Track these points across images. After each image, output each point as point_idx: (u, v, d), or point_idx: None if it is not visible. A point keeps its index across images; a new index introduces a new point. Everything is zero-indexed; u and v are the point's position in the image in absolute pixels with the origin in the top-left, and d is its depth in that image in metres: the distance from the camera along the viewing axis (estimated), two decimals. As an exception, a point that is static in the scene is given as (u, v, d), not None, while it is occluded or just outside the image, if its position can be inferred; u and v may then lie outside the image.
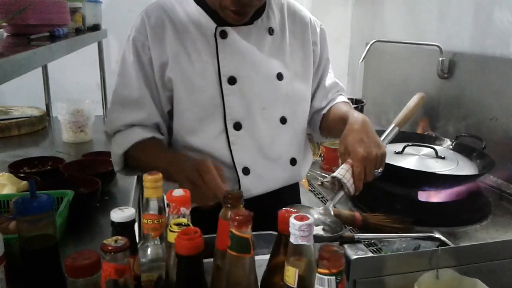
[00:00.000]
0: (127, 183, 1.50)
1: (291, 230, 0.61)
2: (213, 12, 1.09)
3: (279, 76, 1.14)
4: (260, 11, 1.13)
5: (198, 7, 1.10)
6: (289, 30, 1.18)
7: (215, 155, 1.11)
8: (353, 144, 1.04)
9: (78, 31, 1.74)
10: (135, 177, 1.56)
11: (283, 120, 1.17)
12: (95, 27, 2.01)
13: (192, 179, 0.91)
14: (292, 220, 0.61)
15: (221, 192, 0.80)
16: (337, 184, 1.05)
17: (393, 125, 1.21)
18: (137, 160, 1.10)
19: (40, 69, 2.33)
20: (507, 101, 1.54)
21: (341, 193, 1.07)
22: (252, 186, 1.14)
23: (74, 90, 2.54)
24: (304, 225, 0.60)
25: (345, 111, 1.17)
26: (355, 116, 1.10)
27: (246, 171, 1.13)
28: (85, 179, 1.34)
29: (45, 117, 2.25)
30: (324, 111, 1.25)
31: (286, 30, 1.17)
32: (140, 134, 1.09)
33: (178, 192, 0.70)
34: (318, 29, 1.24)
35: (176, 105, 1.11)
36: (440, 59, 1.81)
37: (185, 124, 1.11)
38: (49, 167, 1.53)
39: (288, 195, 1.26)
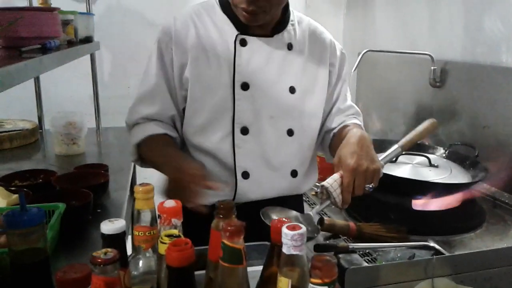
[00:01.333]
0: (120, 195, 1.49)
1: (284, 240, 0.60)
2: (237, 21, 1.14)
3: (291, 89, 1.17)
4: (282, 27, 1.19)
5: (224, 15, 1.17)
6: (308, 49, 1.22)
7: (219, 156, 1.15)
8: (345, 155, 1.04)
9: (70, 43, 1.74)
10: (128, 189, 1.55)
11: (290, 132, 1.19)
12: (88, 39, 2.01)
13: (179, 178, 0.96)
14: (284, 230, 0.60)
15: (193, 203, 0.89)
16: (325, 194, 1.04)
17: (396, 146, 1.18)
18: (147, 153, 1.15)
19: (32, 82, 2.32)
20: (499, 109, 1.55)
21: (327, 203, 1.05)
22: (249, 191, 1.16)
23: (67, 102, 2.52)
24: (296, 234, 0.60)
25: (351, 129, 1.18)
26: (354, 131, 1.12)
27: (245, 175, 1.16)
28: (77, 191, 1.33)
29: (37, 130, 2.23)
30: (335, 131, 1.26)
31: (306, 48, 1.22)
32: (154, 129, 1.15)
33: (170, 203, 0.69)
34: (338, 52, 1.27)
35: (189, 104, 1.16)
36: (432, 68, 1.82)
37: (195, 123, 1.16)
38: (41, 180, 1.51)
39: (290, 206, 1.25)
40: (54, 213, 1.15)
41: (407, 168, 1.42)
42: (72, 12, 1.87)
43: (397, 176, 1.32)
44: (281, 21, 1.19)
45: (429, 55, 1.81)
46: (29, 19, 1.27)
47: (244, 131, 1.14)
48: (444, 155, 1.57)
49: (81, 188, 1.34)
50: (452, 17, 1.82)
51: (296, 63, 1.19)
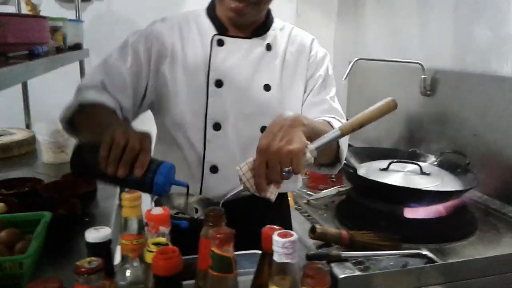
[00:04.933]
0: (108, 204, 1.46)
1: (275, 247, 0.59)
2: (217, 21, 1.19)
3: (266, 87, 1.18)
4: (262, 31, 1.20)
5: (208, 19, 1.21)
6: (287, 51, 1.22)
7: (190, 150, 1.17)
8: (261, 137, 0.92)
9: (59, 50, 1.72)
10: (116, 198, 1.52)
11: (264, 130, 1.14)
12: (77, 46, 1.99)
13: (121, 140, 0.84)
14: (275, 237, 0.59)
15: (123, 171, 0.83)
16: (239, 178, 0.93)
17: (336, 128, 0.98)
18: (86, 118, 1.07)
19: (20, 90, 2.29)
20: (489, 117, 1.55)
21: (240, 188, 0.94)
22: (216, 185, 1.16)
23: (55, 110, 2.48)
24: (287, 242, 0.58)
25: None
26: (283, 115, 0.97)
27: (214, 169, 1.16)
28: (64, 200, 1.30)
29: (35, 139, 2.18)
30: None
31: (284, 50, 1.22)
32: (106, 99, 1.10)
33: (157, 210, 0.67)
34: (319, 55, 1.26)
35: (165, 98, 1.17)
36: (422, 76, 1.82)
37: (171, 118, 1.17)
38: (27, 189, 1.48)
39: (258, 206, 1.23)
40: (40, 222, 1.12)
41: (398, 176, 1.42)
42: (61, 19, 1.85)
43: (389, 184, 1.31)
44: (262, 26, 1.21)
45: (419, 63, 1.81)
46: (16, 25, 1.25)
47: (216, 127, 1.15)
48: (435, 163, 1.57)
49: (68, 197, 1.32)
50: (442, 26, 1.83)
51: (274, 63, 1.20)
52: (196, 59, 1.17)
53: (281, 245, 0.58)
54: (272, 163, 0.89)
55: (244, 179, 0.91)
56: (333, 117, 1.19)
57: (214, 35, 1.17)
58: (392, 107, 1.00)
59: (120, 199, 1.52)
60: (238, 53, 1.17)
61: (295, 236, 0.59)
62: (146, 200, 0.87)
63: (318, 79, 1.26)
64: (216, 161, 1.16)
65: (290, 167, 0.89)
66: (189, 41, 1.19)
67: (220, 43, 1.17)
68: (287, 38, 1.24)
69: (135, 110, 1.19)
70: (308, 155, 0.91)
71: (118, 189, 1.61)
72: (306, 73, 1.24)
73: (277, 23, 1.25)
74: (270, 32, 1.22)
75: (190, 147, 1.17)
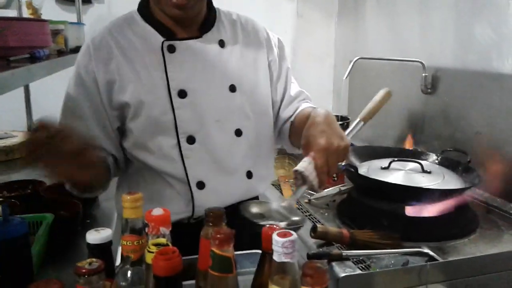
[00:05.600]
0: (110, 205, 1.47)
1: (274, 247, 0.59)
2: (160, 26, 1.09)
3: (232, 88, 1.13)
4: (209, 25, 1.14)
5: (145, 24, 1.10)
6: (242, 44, 1.18)
7: (168, 170, 1.10)
8: (314, 135, 0.97)
9: (60, 53, 1.72)
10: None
11: (238, 133, 1.14)
12: (78, 49, 1.99)
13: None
14: (275, 237, 0.59)
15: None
16: (300, 179, 0.97)
17: (358, 119, 1.13)
18: None
19: (22, 92, 2.30)
20: (491, 115, 1.55)
21: (304, 188, 0.98)
22: (207, 201, 1.09)
23: (57, 113, 2.50)
24: (287, 241, 0.58)
25: (309, 111, 1.13)
26: (318, 110, 1.05)
27: (200, 185, 1.11)
28: (66, 202, 1.31)
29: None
30: (291, 119, 1.23)
31: (239, 43, 1.18)
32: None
33: (157, 211, 0.68)
34: (274, 41, 1.25)
35: (127, 123, 1.09)
36: (423, 74, 1.82)
37: (137, 141, 1.10)
38: (29, 191, 1.49)
39: None
40: (42, 223, 1.13)
41: (400, 175, 1.42)
42: (63, 22, 1.86)
43: (390, 183, 1.31)
44: (208, 18, 1.14)
45: (420, 62, 1.81)
46: (17, 29, 1.26)
47: (190, 140, 1.09)
48: (436, 161, 1.57)
49: (70, 198, 1.32)
50: (443, 25, 1.83)
51: (232, 60, 1.15)
52: (150, 74, 1.07)
53: (281, 244, 0.58)
54: (332, 160, 0.96)
55: (311, 178, 0.95)
56: (308, 102, 1.26)
57: (163, 41, 1.07)
58: (390, 95, 1.20)
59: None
60: (193, 57, 1.10)
61: (294, 235, 0.59)
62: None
63: (288, 74, 1.27)
64: (200, 176, 1.10)
65: (344, 161, 1.01)
66: (134, 55, 1.07)
67: (171, 49, 1.08)
68: (239, 29, 1.19)
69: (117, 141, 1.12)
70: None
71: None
72: (268, 66, 1.21)
73: (220, 12, 1.19)
74: (218, 26, 1.16)
75: (170, 167, 1.10)
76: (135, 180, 1.15)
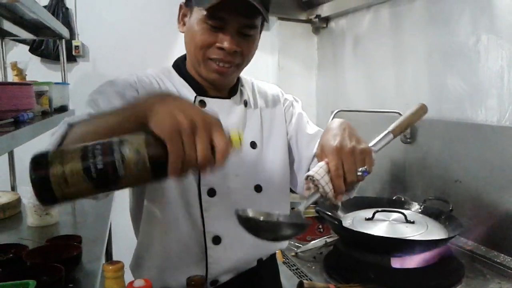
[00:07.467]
0: (93, 267, 1.44)
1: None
2: (195, 83, 1.15)
3: (253, 145, 1.17)
4: (235, 89, 1.21)
5: (181, 79, 1.16)
6: (260, 104, 1.25)
7: (187, 223, 1.09)
8: (327, 139, 0.92)
9: (44, 114, 1.74)
10: (102, 260, 1.51)
11: (258, 188, 1.16)
12: (63, 108, 2.02)
13: (192, 120, 0.67)
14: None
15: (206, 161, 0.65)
16: (312, 186, 0.88)
17: (387, 131, 1.07)
18: (82, 127, 0.87)
19: (6, 154, 2.29)
20: (468, 164, 1.59)
21: (317, 196, 0.88)
22: (222, 257, 1.10)
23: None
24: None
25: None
26: (334, 120, 1.03)
27: (216, 240, 1.10)
28: (48, 266, 1.28)
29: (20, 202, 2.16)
30: (316, 152, 1.20)
31: (258, 104, 1.24)
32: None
33: (139, 282, 0.68)
34: (288, 102, 1.31)
35: None
36: (402, 125, 1.87)
37: (159, 195, 1.08)
38: (11, 255, 1.46)
39: (266, 279, 1.23)
40: (24, 291, 1.10)
41: (384, 226, 1.43)
42: (47, 83, 1.88)
43: (374, 235, 1.32)
44: (236, 84, 1.22)
45: (398, 112, 1.87)
46: (1, 93, 1.27)
47: (211, 192, 1.09)
48: (419, 210, 1.59)
49: (53, 263, 1.30)
50: (416, 76, 1.91)
51: (254, 119, 1.21)
52: None
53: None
54: (348, 163, 0.87)
55: (323, 182, 0.86)
56: None
57: (196, 96, 1.13)
58: (425, 110, 1.13)
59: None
60: (221, 112, 1.13)
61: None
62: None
63: (300, 118, 1.30)
64: (217, 230, 1.10)
65: (365, 167, 0.88)
66: None
67: (202, 104, 1.14)
68: (256, 92, 1.27)
69: None
70: (373, 155, 0.91)
71: (103, 252, 1.60)
72: (284, 121, 1.27)
73: (241, 78, 1.26)
74: (242, 89, 1.23)
75: (186, 220, 1.09)
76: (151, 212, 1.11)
